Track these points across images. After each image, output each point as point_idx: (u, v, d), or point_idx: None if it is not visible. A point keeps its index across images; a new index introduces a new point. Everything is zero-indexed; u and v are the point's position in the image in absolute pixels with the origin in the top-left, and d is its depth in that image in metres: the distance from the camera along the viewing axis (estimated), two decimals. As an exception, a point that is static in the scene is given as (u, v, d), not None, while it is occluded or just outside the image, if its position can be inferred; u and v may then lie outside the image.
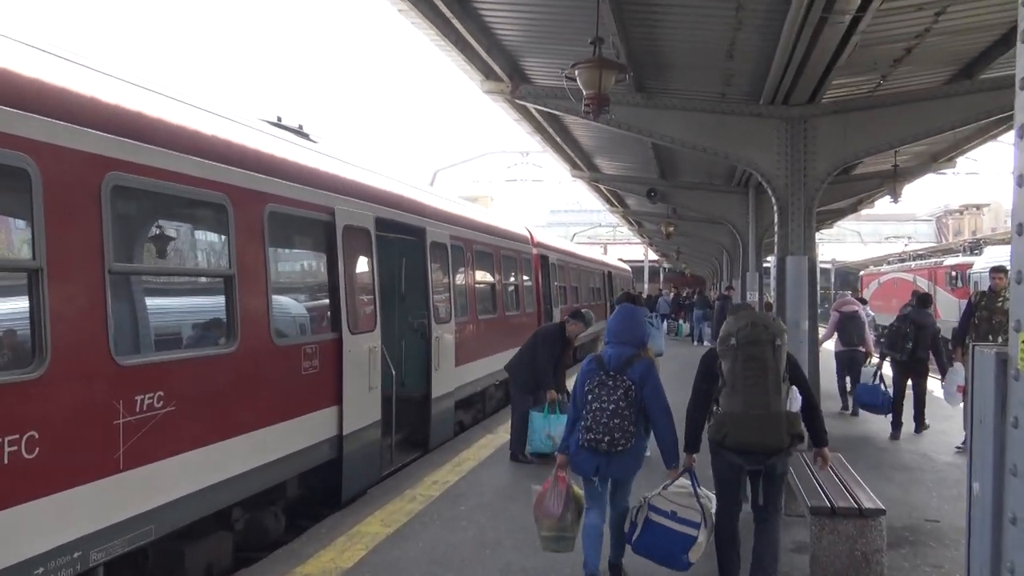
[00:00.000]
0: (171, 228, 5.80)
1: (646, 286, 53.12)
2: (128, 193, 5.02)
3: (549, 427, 8.45)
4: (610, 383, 5.20)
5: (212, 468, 5.61)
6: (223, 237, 5.99)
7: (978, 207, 58.74)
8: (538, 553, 5.69)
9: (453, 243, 11.20)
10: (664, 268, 62.08)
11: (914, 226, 72.81)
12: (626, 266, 41.31)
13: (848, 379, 12.52)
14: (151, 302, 5.49)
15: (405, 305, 10.58)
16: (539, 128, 13.83)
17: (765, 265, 17.99)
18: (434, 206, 10.76)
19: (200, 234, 6.14)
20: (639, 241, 49.24)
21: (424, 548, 5.94)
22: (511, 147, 51.73)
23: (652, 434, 5.34)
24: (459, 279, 11.67)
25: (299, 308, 7.46)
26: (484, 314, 12.99)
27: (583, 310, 10.46)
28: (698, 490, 5.09)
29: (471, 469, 8.43)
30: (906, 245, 47.04)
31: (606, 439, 5.11)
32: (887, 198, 21.46)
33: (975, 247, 32.12)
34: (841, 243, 61.57)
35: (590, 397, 5.22)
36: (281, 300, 6.86)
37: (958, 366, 9.99)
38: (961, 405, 9.91)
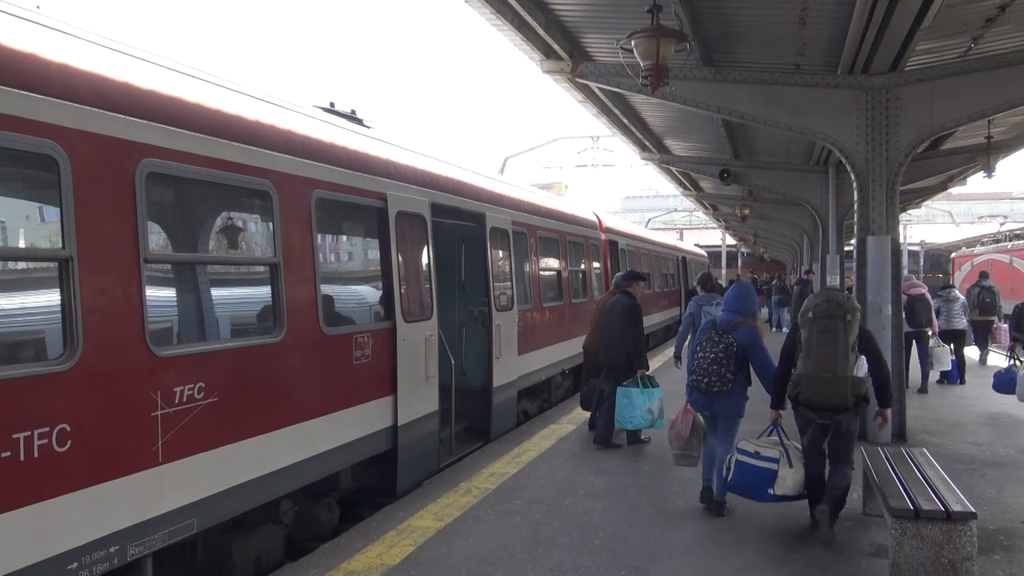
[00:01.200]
0: (211, 216, 5.68)
1: (724, 271, 51.88)
2: (164, 180, 4.90)
3: (648, 401, 8.44)
4: (716, 338, 6.52)
5: (258, 460, 5.49)
6: (268, 224, 5.86)
7: (1083, 183, 55.20)
8: (592, 552, 5.43)
9: (515, 229, 10.92)
10: (742, 252, 60.51)
11: (1011, 205, 69.03)
12: (702, 251, 40.32)
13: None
14: (191, 292, 5.39)
15: (465, 293, 10.38)
16: (605, 110, 13.41)
17: (847, 248, 17.17)
18: (494, 191, 10.50)
19: (242, 221, 6.02)
20: (715, 226, 48.08)
21: (474, 545, 5.70)
22: (581, 132, 51.11)
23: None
24: (521, 266, 11.39)
25: (349, 296, 7.30)
26: (549, 301, 12.69)
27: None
28: (783, 439, 6.05)
29: (530, 461, 8.17)
30: (1002, 225, 44.45)
31: (704, 380, 6.46)
32: (980, 174, 20.27)
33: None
34: (931, 223, 58.83)
35: (698, 348, 6.62)
36: (330, 288, 6.70)
37: None
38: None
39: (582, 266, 14.81)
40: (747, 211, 22.02)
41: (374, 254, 7.42)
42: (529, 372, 11.37)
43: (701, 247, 45.15)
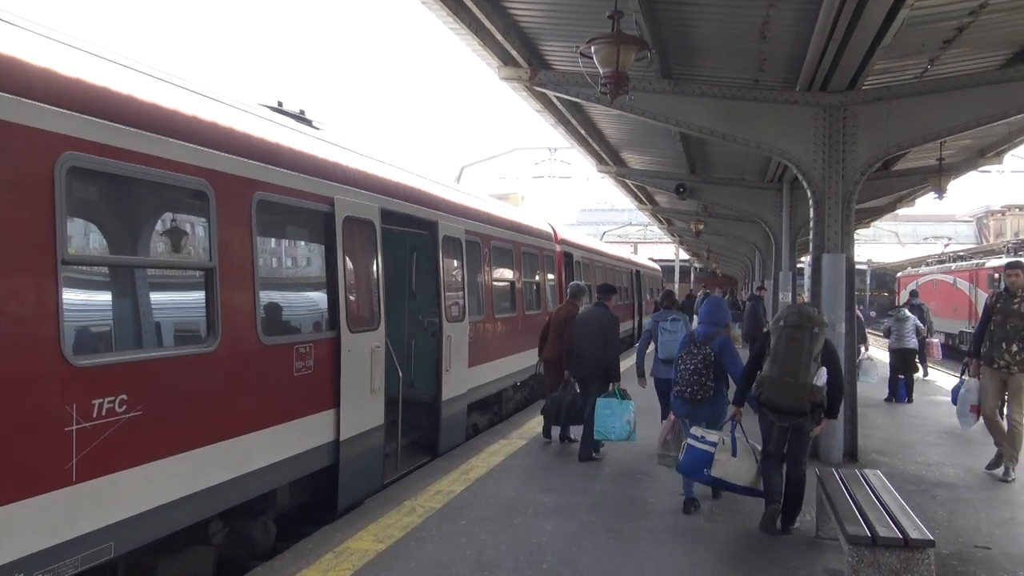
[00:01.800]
0: (140, 216, 5.32)
1: (677, 285, 52.27)
2: (87, 175, 4.55)
3: (626, 412, 8.49)
4: (694, 350, 7.09)
5: (187, 478, 5.14)
6: (203, 226, 5.52)
7: (1021, 208, 57.04)
8: (541, 578, 5.17)
9: (469, 238, 10.67)
10: (695, 268, 61.05)
11: (954, 227, 70.89)
12: (656, 265, 40.50)
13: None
14: (115, 297, 5.02)
15: (416, 303, 10.10)
16: (562, 120, 13.25)
17: (799, 265, 17.28)
18: (448, 199, 10.24)
19: (175, 222, 5.65)
20: (669, 240, 48.40)
21: (416, 569, 5.40)
22: (538, 143, 51.11)
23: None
24: (474, 276, 11.15)
25: (291, 305, 6.96)
26: (502, 313, 12.45)
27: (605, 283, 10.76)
28: (735, 432, 6.54)
29: (478, 478, 7.90)
30: (946, 246, 45.59)
31: (688, 390, 7.02)
32: (927, 197, 20.61)
33: (1021, 248, 30.97)
34: (878, 243, 60.05)
35: (679, 360, 7.18)
36: (271, 296, 6.37)
37: (971, 383, 8.70)
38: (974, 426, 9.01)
39: (536, 277, 14.61)
40: (702, 226, 22.10)
41: (319, 261, 7.10)
42: (480, 385, 11.11)
43: (655, 261, 45.39)
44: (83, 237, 4.87)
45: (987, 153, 15.09)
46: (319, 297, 7.05)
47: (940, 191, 13.44)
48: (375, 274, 7.93)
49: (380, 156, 8.61)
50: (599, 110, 12.81)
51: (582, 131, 14.01)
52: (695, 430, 6.67)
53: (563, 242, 16.99)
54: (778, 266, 17.24)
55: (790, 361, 6.13)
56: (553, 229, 16.55)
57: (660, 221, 32.13)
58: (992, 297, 8.58)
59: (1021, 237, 40.31)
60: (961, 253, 39.42)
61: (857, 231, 34.40)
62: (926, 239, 60.28)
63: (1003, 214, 60.81)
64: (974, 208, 72.25)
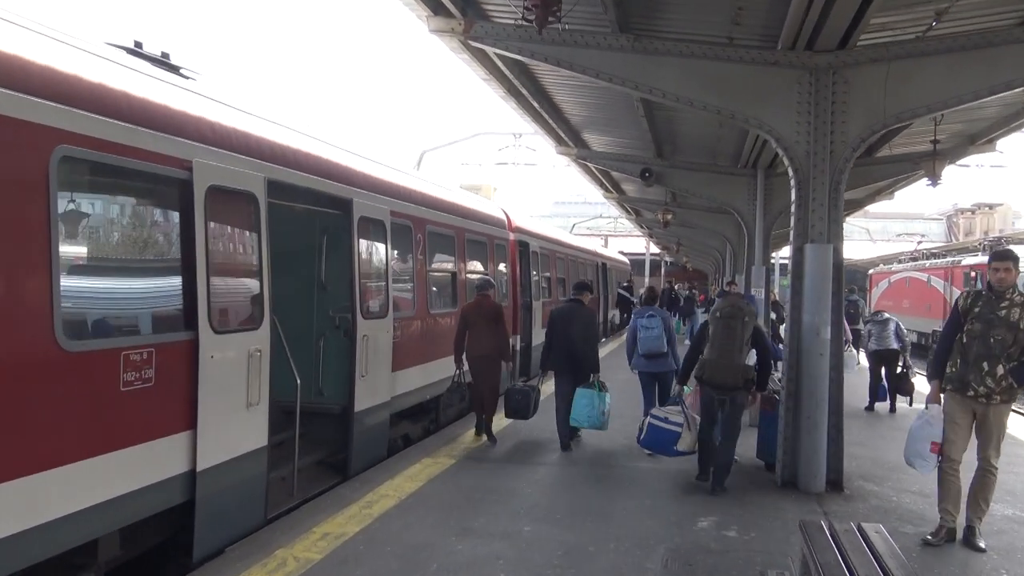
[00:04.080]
0: None
1: (647, 279, 51.18)
2: None
3: (603, 404, 8.95)
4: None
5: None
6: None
7: (991, 207, 56.64)
8: None
9: (396, 220, 9.13)
10: (666, 261, 59.97)
11: (924, 225, 70.46)
12: (624, 259, 39.17)
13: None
14: None
15: (326, 296, 8.53)
16: (513, 90, 11.73)
17: (784, 261, 15.96)
18: (368, 173, 8.67)
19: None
20: (640, 233, 47.18)
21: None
22: (503, 129, 49.46)
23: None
24: (403, 265, 9.63)
25: (119, 297, 5.35)
26: (440, 308, 10.94)
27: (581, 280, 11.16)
28: (685, 409, 7.74)
29: (382, 514, 6.38)
30: (919, 243, 44.74)
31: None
32: (902, 191, 19.45)
33: (996, 245, 30.11)
34: (849, 240, 59.16)
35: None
36: (82, 284, 4.82)
37: (934, 410, 6.14)
38: (935, 472, 6.19)
39: (485, 269, 13.11)
40: (669, 216, 20.72)
41: (167, 240, 5.55)
42: (409, 391, 9.61)
43: (625, 254, 44.10)
44: None
45: (978, 140, 13.86)
46: (166, 288, 5.50)
47: (934, 177, 12.09)
48: (257, 260, 6.37)
49: (272, 115, 7.04)
50: (553, 78, 11.32)
51: (536, 104, 12.49)
52: (657, 411, 8.01)
53: (518, 230, 15.48)
54: (751, 260, 15.88)
55: (725, 346, 7.37)
56: (507, 215, 15.03)
57: (628, 212, 30.79)
58: (966, 298, 6.11)
59: (991, 235, 39.73)
60: (934, 250, 38.61)
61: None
62: (898, 235, 59.63)
63: (972, 212, 60.37)
64: (942, 206, 71.98)
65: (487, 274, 12.51)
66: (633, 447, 8.70)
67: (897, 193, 21.06)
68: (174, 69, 6.27)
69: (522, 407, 9.67)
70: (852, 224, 53.01)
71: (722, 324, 7.41)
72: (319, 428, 8.04)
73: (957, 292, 27.91)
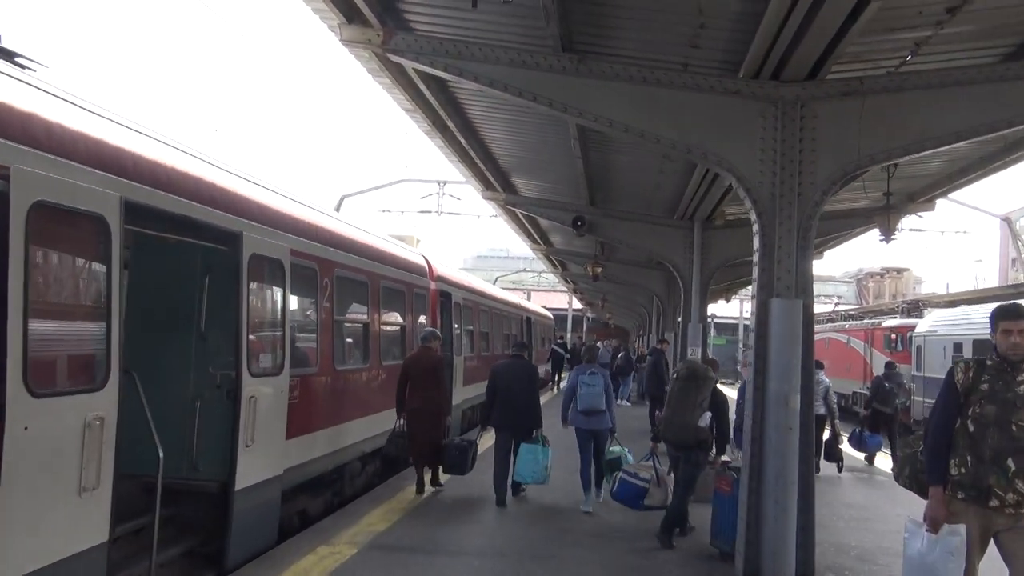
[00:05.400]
0: None
1: (569, 335, 50.44)
2: None
3: (546, 459, 9.26)
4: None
5: None
6: None
7: (899, 271, 58.51)
8: None
9: (298, 261, 7.82)
10: (588, 318, 59.64)
11: (834, 287, 72.32)
12: (548, 314, 38.29)
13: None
14: None
15: (207, 347, 7.08)
16: (438, 123, 10.64)
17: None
18: (264, 203, 7.37)
19: None
20: (564, 289, 46.62)
21: None
22: (427, 176, 48.37)
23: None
24: (304, 314, 8.31)
25: None
26: (348, 364, 9.61)
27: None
28: (657, 465, 8.29)
29: (256, 633, 4.97)
30: (836, 305, 45.52)
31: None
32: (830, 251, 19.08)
33: (914, 308, 30.47)
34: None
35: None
36: None
37: (954, 532, 4.24)
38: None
39: (402, 319, 11.84)
40: (599, 269, 19.88)
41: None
42: (307, 461, 8.20)
43: (548, 309, 43.34)
44: None
45: (918, 198, 13.45)
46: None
47: (888, 232, 11.48)
48: (104, 300, 4.97)
49: (134, 123, 5.70)
50: (483, 111, 10.30)
51: (463, 140, 11.42)
52: (628, 467, 8.45)
53: (441, 279, 14.29)
54: (686, 316, 15.02)
55: (681, 406, 7.69)
56: (428, 263, 13.83)
57: (554, 265, 29.97)
58: (966, 370, 4.41)
59: (900, 299, 40.75)
60: (852, 312, 39.07)
61: (735, 289, 33.28)
62: (816, 297, 60.90)
63: (881, 276, 62.25)
64: (849, 270, 74.17)
65: (433, 326, 12.23)
66: (574, 504, 9.13)
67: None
68: (6, 55, 4.93)
69: (459, 462, 9.62)
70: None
71: (679, 385, 7.83)
72: (191, 510, 6.56)
73: (878, 354, 28.16)
